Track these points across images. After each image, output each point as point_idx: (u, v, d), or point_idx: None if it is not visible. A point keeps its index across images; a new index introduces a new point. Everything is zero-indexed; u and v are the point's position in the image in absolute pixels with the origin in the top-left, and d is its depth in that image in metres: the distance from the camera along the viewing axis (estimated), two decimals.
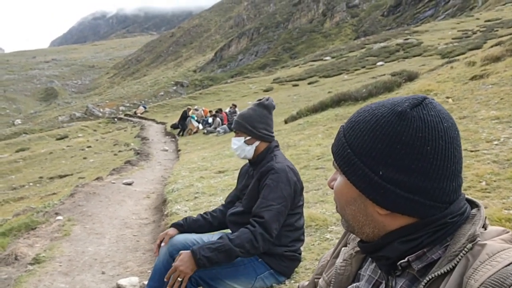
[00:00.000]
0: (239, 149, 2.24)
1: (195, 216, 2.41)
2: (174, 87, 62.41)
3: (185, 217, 2.40)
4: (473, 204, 0.76)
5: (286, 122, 11.00)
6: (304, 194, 2.35)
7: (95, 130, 28.91)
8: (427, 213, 0.70)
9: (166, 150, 14.57)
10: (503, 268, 0.61)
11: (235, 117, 2.39)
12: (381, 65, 24.60)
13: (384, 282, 0.78)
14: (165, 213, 4.69)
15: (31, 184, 13.68)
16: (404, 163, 0.68)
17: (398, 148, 0.68)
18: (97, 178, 7.67)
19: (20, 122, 52.42)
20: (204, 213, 2.43)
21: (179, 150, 13.37)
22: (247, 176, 2.32)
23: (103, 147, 19.49)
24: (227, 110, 18.41)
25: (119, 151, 16.71)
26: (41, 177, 14.45)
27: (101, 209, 5.55)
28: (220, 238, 1.98)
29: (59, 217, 5.12)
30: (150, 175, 8.85)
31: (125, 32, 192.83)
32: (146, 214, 5.45)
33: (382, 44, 32.78)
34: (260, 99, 2.34)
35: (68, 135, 27.97)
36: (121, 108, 51.37)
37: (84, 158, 16.96)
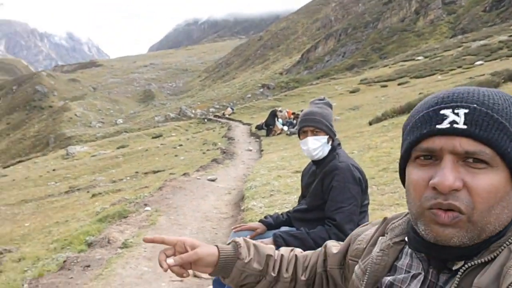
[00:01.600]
0: (320, 149, 2.16)
1: (280, 214, 2.41)
2: (261, 90, 63.61)
3: (269, 215, 2.46)
4: None
5: (370, 123, 10.69)
6: (380, 196, 2.31)
7: (186, 130, 30.60)
8: None
9: (250, 150, 14.97)
10: None
11: (304, 116, 2.31)
12: (480, 64, 22.66)
13: (423, 273, 0.76)
14: (242, 208, 4.87)
15: (128, 178, 14.91)
16: None
17: None
18: (184, 174, 8.17)
19: (121, 122, 56.99)
20: (286, 212, 2.45)
21: (262, 150, 13.67)
22: (309, 174, 2.32)
23: (193, 145, 20.59)
24: None
25: (207, 150, 17.54)
26: (137, 172, 15.66)
27: (185, 202, 5.91)
28: (299, 229, 2.09)
29: (148, 208, 5.57)
30: (233, 173, 9.19)
31: (215, 37, 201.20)
32: (226, 209, 5.69)
33: (482, 42, 30.18)
34: (320, 98, 2.32)
35: (163, 134, 29.93)
36: (211, 109, 53.70)
37: (176, 155, 18.05)
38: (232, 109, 35.96)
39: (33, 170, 22.93)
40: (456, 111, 0.69)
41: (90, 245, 4.27)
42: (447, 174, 0.67)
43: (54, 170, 20.20)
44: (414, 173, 0.73)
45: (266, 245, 1.05)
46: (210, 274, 1.00)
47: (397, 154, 5.57)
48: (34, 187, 16.10)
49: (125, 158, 20.82)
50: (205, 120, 34.25)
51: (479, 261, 0.67)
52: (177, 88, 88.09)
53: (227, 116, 33.22)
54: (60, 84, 76.16)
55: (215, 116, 36.84)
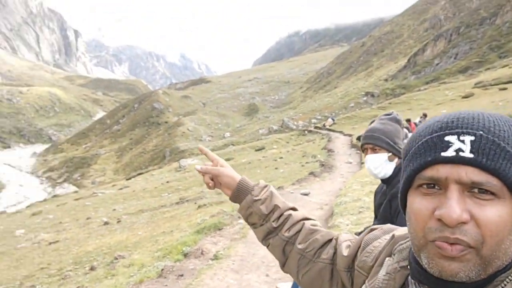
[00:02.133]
0: (380, 167, 2.07)
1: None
2: (364, 98, 61.78)
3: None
4: None
5: None
6: None
7: (287, 142, 31.06)
8: None
9: (350, 163, 14.68)
10: None
11: (365, 133, 2.26)
12: None
13: None
14: (329, 225, 4.86)
15: None
16: None
17: None
18: (278, 188, 8.38)
19: (229, 135, 59.81)
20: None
21: (363, 163, 13.33)
22: (381, 194, 2.27)
23: (293, 158, 20.85)
24: (416, 121, 17.33)
25: (306, 163, 17.62)
26: None
27: None
28: None
29: (241, 221, 5.85)
30: (329, 187, 9.13)
31: (317, 47, 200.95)
32: None
33: None
34: (387, 114, 2.25)
35: (265, 146, 30.79)
36: (313, 120, 53.68)
37: (276, 168, 18.47)
38: (333, 120, 35.54)
39: (150, 182, 25.29)
40: (461, 138, 0.66)
41: (186, 255, 4.66)
42: (454, 206, 0.64)
43: (167, 182, 22.04)
44: (417, 201, 0.69)
45: (282, 199, 1.15)
46: (229, 199, 1.14)
47: None
48: (150, 198, 17.76)
49: (260, 181, 21.85)
50: (306, 132, 34.38)
51: None
52: (279, 101, 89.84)
53: (327, 127, 32.93)
54: (174, 101, 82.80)
55: (315, 127, 36.77)
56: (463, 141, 0.66)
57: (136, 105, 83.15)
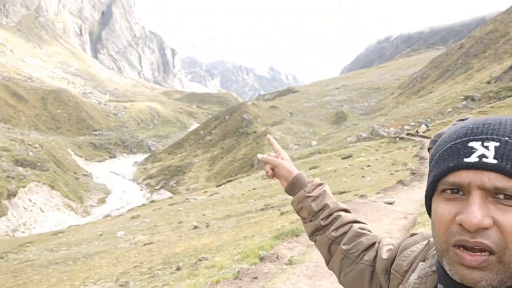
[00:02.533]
0: None
1: None
2: (464, 102, 57.24)
3: None
4: None
5: None
6: None
7: (376, 150, 29.94)
8: None
9: None
10: None
11: (434, 138, 2.15)
12: None
13: None
14: (409, 235, 4.59)
15: None
16: None
17: None
18: (361, 196, 8.12)
19: (315, 143, 59.42)
20: None
21: None
22: None
23: (382, 166, 20.03)
24: None
25: (396, 171, 16.82)
26: None
27: None
28: None
29: None
30: (416, 196, 8.62)
31: (409, 51, 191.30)
32: (399, 234, 5.43)
33: None
34: (462, 119, 2.11)
35: (352, 154, 30.01)
36: (405, 127, 51.08)
37: (363, 176, 17.89)
38: (427, 126, 33.41)
39: (238, 188, 26.06)
40: (485, 144, 0.65)
41: (262, 259, 4.73)
42: (475, 211, 0.63)
43: (254, 189, 22.53)
44: (441, 207, 0.69)
45: (334, 200, 1.18)
46: (284, 191, 1.21)
47: None
48: (237, 204, 18.30)
49: (315, 178, 21.71)
50: (397, 139, 32.84)
51: None
52: (369, 107, 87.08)
53: (421, 133, 31.09)
54: (262, 111, 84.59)
55: (407, 134, 34.94)
56: (487, 147, 0.65)
57: (227, 116, 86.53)
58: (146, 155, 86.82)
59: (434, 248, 0.84)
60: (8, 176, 42.02)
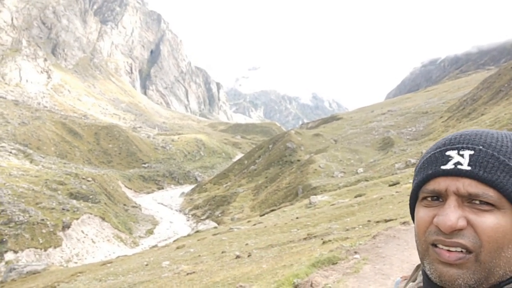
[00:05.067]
0: None
1: None
2: None
3: None
4: None
5: None
6: None
7: None
8: None
9: None
10: None
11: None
12: None
13: None
14: None
15: (360, 226, 15.07)
16: None
17: None
18: (403, 223, 7.82)
19: (362, 171, 58.10)
20: None
21: None
22: None
23: None
24: None
25: None
26: (369, 221, 15.67)
27: (396, 252, 5.67)
28: None
29: (356, 256, 5.62)
30: None
31: (458, 73, 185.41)
32: None
33: None
34: None
35: (400, 181, 29.03)
36: None
37: None
38: None
39: (281, 218, 25.82)
40: (461, 152, 0.69)
41: (296, 287, 4.64)
42: (450, 214, 0.67)
43: (297, 218, 22.25)
44: (421, 211, 0.74)
45: None
46: None
47: None
48: (280, 233, 18.11)
49: (360, 206, 21.14)
50: None
51: None
52: (417, 132, 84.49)
53: None
54: (306, 140, 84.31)
55: None
56: (462, 155, 0.69)
57: (271, 145, 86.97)
58: (192, 186, 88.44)
59: (423, 268, 0.85)
60: (63, 209, 44.17)
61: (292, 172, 63.18)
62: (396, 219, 14.31)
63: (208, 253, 16.50)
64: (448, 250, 0.67)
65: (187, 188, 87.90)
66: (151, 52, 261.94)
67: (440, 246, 0.68)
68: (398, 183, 28.28)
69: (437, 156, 0.72)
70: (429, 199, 0.72)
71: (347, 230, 15.10)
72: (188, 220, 58.59)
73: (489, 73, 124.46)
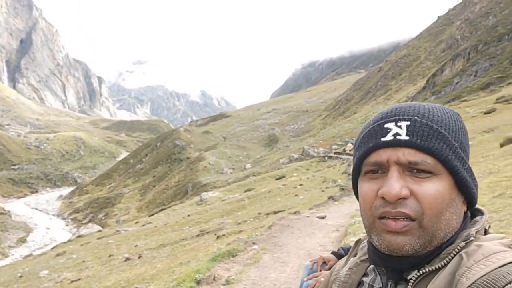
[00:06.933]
0: None
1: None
2: None
3: (342, 247, 2.42)
4: (478, 212, 0.78)
5: (501, 145, 9.48)
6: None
7: (307, 169, 30.81)
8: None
9: None
10: (496, 268, 0.61)
11: None
12: None
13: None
14: (341, 245, 4.71)
15: (251, 219, 15.50)
16: (468, 152, 0.75)
17: (467, 138, 0.75)
18: (294, 212, 8.24)
19: (250, 166, 59.84)
20: None
21: None
22: None
23: (313, 184, 20.61)
24: None
25: (326, 188, 17.39)
26: (259, 213, 16.20)
27: (291, 240, 5.95)
28: None
29: (255, 247, 5.75)
30: (346, 209, 8.94)
31: (334, 75, 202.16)
32: (332, 246, 5.56)
33: None
34: None
35: (285, 175, 30.60)
36: (333, 146, 53.29)
37: (296, 195, 18.26)
38: (353, 144, 35.22)
39: (172, 216, 25.31)
40: (398, 123, 0.72)
41: (198, 282, 4.57)
42: (394, 184, 0.69)
43: (188, 215, 22.03)
44: (365, 186, 0.75)
45: None
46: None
47: None
48: (171, 232, 17.72)
49: (250, 200, 21.75)
50: (326, 158, 34.10)
51: (431, 268, 0.69)
52: (299, 129, 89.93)
53: (348, 151, 32.62)
54: (195, 137, 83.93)
55: (335, 153, 36.46)
56: (400, 126, 0.72)
57: (158, 143, 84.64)
58: (72, 188, 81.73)
59: (363, 242, 0.90)
60: None
61: (181, 170, 62.33)
62: (284, 210, 15.03)
63: (93, 258, 15.42)
64: (394, 220, 0.70)
65: (66, 190, 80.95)
66: (21, 41, 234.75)
67: (387, 216, 0.71)
68: (283, 176, 29.76)
69: (376, 129, 0.75)
70: (371, 172, 0.75)
71: (239, 223, 15.41)
72: (67, 225, 53.96)
73: (360, 75, 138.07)
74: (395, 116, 0.74)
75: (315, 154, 50.30)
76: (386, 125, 0.74)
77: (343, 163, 26.35)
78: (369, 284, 0.81)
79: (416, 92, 73.67)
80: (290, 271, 4.56)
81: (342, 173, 20.51)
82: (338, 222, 7.15)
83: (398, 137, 0.71)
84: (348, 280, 0.84)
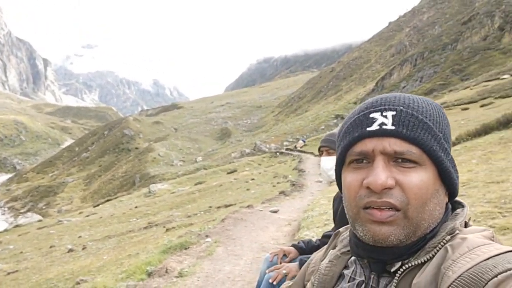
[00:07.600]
0: (333, 170, 2.15)
1: (311, 239, 2.39)
2: (335, 120, 62.95)
3: (302, 240, 2.44)
4: (458, 204, 0.79)
5: None
6: None
7: (259, 164, 31.03)
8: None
9: (320, 182, 14.74)
10: (482, 261, 0.61)
11: (323, 137, 2.33)
12: None
13: (365, 280, 0.77)
14: (295, 238, 4.80)
15: (202, 212, 15.39)
16: (450, 143, 0.76)
17: (449, 129, 0.77)
18: (248, 206, 8.28)
19: (201, 159, 59.34)
20: (319, 238, 2.42)
21: (332, 181, 13.41)
22: (339, 199, 2.27)
23: (264, 179, 20.79)
24: None
25: (277, 183, 17.60)
26: (210, 207, 16.13)
27: (244, 234, 5.97)
28: None
29: (208, 239, 5.71)
30: (298, 204, 9.11)
31: (288, 72, 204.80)
32: (284, 240, 5.64)
33: None
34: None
35: (237, 169, 30.63)
36: (284, 143, 54.08)
37: (247, 189, 18.34)
38: (304, 141, 35.94)
39: (118, 208, 24.59)
40: (384, 113, 0.72)
41: (150, 274, 4.47)
42: (379, 173, 0.69)
43: (136, 207, 21.49)
44: (349, 176, 0.74)
45: None
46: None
47: (462, 178, 5.18)
48: (117, 224, 17.21)
49: (201, 193, 21.59)
50: (277, 154, 34.51)
51: (417, 262, 0.69)
52: (252, 125, 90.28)
53: (298, 148, 33.23)
54: (145, 127, 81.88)
55: (287, 149, 37.01)
56: (385, 116, 0.72)
57: (106, 132, 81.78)
58: (10, 175, 77.11)
59: (342, 234, 0.89)
60: None
61: (129, 161, 60.66)
62: (235, 204, 15.06)
63: (33, 249, 14.65)
64: (380, 210, 0.70)
65: (3, 177, 76.29)
66: None
67: (372, 206, 0.70)
68: (235, 170, 29.78)
69: (362, 119, 0.75)
70: (356, 162, 0.74)
71: (189, 216, 15.25)
72: (3, 214, 50.93)
73: (313, 75, 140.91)
74: (381, 106, 0.74)
75: (267, 150, 50.76)
76: (371, 115, 0.74)
77: (294, 159, 26.80)
78: (350, 276, 0.80)
79: (366, 94, 76.42)
80: (244, 264, 4.57)
81: (293, 169, 20.84)
82: (291, 216, 7.27)
83: (384, 126, 0.71)
84: (328, 272, 0.84)
